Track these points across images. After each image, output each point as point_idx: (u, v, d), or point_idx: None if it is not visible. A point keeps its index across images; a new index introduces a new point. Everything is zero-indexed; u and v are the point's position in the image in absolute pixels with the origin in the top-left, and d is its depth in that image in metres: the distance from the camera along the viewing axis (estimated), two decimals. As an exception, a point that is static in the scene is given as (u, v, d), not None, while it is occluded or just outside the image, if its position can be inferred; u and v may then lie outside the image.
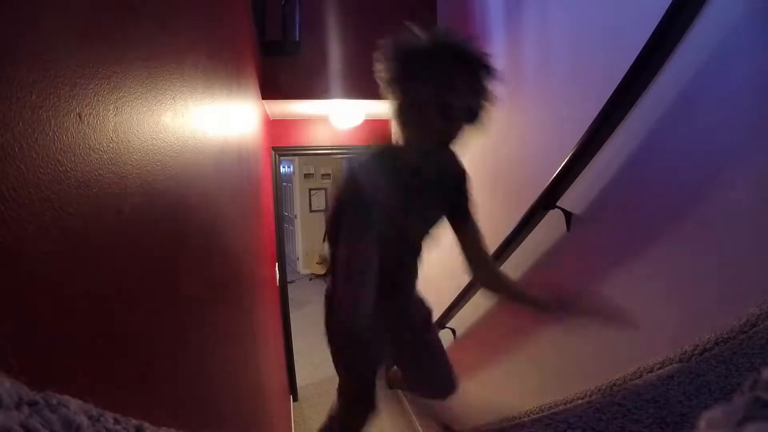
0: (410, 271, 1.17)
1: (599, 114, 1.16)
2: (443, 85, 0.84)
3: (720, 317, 0.88)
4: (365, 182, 0.92)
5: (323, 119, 3.54)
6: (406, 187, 0.99)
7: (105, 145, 0.35)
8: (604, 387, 1.12)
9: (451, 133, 0.90)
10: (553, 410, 1.30)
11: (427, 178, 1.01)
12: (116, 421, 0.23)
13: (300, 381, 3.88)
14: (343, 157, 0.91)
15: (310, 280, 6.99)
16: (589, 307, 1.03)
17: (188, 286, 0.62)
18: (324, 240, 1.14)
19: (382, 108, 3.10)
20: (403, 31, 0.89)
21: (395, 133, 0.95)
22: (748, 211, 0.87)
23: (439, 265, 2.78)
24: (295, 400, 3.78)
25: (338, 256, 0.90)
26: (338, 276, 0.90)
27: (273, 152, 3.46)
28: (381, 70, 0.90)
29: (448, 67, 0.84)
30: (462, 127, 0.90)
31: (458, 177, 1.11)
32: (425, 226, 1.11)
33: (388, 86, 0.89)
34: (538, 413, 1.41)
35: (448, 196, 1.09)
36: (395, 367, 1.36)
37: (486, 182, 2.06)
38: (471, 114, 0.88)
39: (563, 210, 1.39)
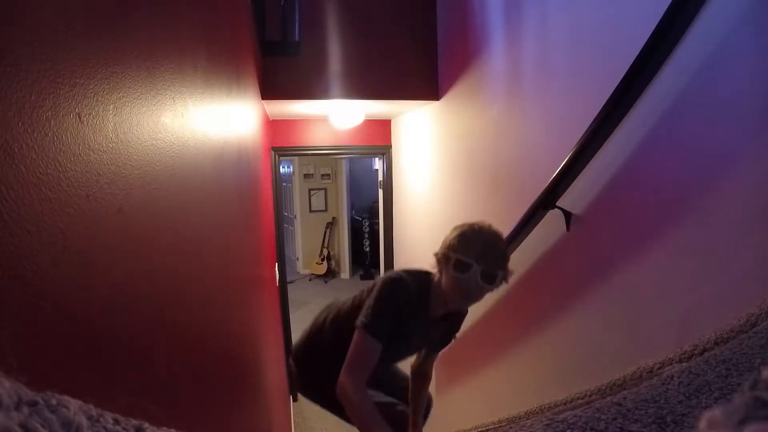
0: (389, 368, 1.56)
1: (599, 114, 1.16)
2: (488, 258, 1.11)
3: (720, 317, 0.88)
4: (405, 301, 1.18)
5: (323, 119, 3.55)
6: (424, 322, 1.24)
7: (104, 145, 0.35)
8: (604, 387, 1.12)
9: (478, 299, 1.17)
10: (552, 410, 1.30)
11: (439, 327, 1.32)
12: (116, 422, 0.23)
13: (300, 381, 3.88)
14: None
15: (310, 280, 6.99)
16: None
17: (188, 286, 0.62)
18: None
19: (382, 108, 3.10)
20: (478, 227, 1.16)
21: (435, 275, 1.21)
22: (749, 211, 0.87)
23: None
24: (295, 400, 3.78)
25: (354, 341, 1.13)
26: (348, 360, 1.12)
27: (273, 152, 3.47)
28: (449, 236, 1.16)
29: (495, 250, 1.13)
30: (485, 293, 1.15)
31: (460, 322, 1.41)
32: (410, 354, 1.42)
33: (450, 243, 1.14)
34: (538, 413, 1.41)
35: (444, 336, 1.41)
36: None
37: (486, 182, 2.06)
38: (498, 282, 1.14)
39: (563, 210, 1.39)
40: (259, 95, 2.33)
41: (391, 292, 1.18)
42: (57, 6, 0.29)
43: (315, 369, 1.43)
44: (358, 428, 1.07)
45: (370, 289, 1.25)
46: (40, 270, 0.26)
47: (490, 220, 1.19)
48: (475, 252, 1.09)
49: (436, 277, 1.20)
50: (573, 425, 0.61)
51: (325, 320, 1.43)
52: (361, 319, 1.15)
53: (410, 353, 1.42)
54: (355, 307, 1.30)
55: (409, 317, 1.19)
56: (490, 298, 1.94)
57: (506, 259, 1.14)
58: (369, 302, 1.18)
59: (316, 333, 1.45)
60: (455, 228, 1.17)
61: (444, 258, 1.15)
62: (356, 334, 1.14)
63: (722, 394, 0.62)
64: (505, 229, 1.61)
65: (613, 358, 1.22)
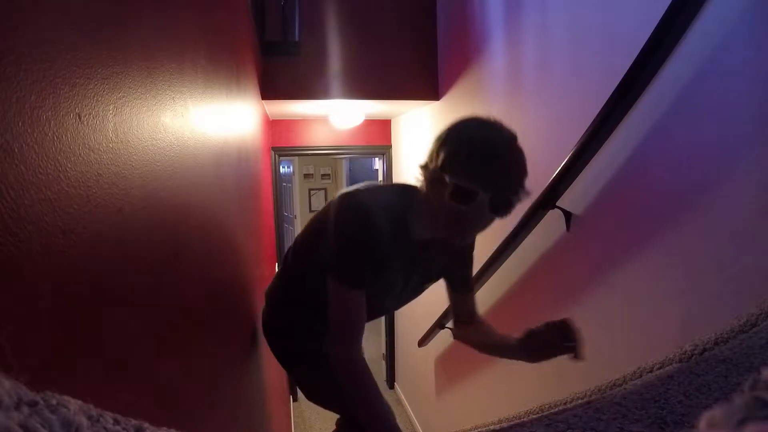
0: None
1: (599, 114, 1.16)
2: (503, 181, 0.78)
3: (720, 317, 0.88)
4: (375, 228, 0.87)
5: (323, 119, 3.55)
6: (409, 250, 0.93)
7: (104, 145, 0.35)
8: (604, 387, 1.12)
9: (477, 231, 0.85)
10: (552, 410, 1.30)
11: (432, 253, 0.97)
12: (116, 422, 0.23)
13: (300, 381, 3.88)
14: (346, 192, 0.88)
15: (310, 280, 6.98)
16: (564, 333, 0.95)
17: (188, 286, 0.62)
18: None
19: (382, 108, 3.10)
20: (475, 119, 0.85)
21: (421, 189, 0.87)
22: (749, 211, 0.87)
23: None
24: (294, 400, 3.78)
25: (330, 296, 0.88)
26: (332, 323, 0.89)
27: (273, 152, 3.47)
28: (440, 147, 0.80)
29: (513, 166, 0.81)
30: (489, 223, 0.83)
31: (464, 249, 1.04)
32: (411, 293, 1.09)
33: (445, 162, 0.79)
34: (538, 413, 1.41)
35: (449, 267, 1.06)
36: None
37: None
38: (507, 210, 0.81)
39: (563, 210, 1.39)
40: (259, 95, 2.33)
41: (353, 227, 0.87)
42: (57, 6, 0.29)
43: (281, 318, 1.20)
44: (355, 407, 0.88)
45: (328, 210, 0.95)
46: (40, 270, 0.26)
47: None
48: (483, 174, 0.76)
49: (422, 191, 0.87)
50: (573, 425, 0.61)
51: (287, 256, 1.17)
52: (329, 266, 0.89)
53: (401, 291, 1.05)
54: (313, 232, 1.03)
55: (384, 249, 0.89)
56: (489, 299, 1.94)
57: (525, 176, 0.81)
58: (331, 242, 0.90)
59: (282, 272, 1.21)
60: (448, 134, 0.81)
61: (433, 180, 0.81)
62: (330, 288, 0.88)
63: (722, 394, 0.62)
64: (504, 230, 1.62)
65: (613, 358, 1.22)
